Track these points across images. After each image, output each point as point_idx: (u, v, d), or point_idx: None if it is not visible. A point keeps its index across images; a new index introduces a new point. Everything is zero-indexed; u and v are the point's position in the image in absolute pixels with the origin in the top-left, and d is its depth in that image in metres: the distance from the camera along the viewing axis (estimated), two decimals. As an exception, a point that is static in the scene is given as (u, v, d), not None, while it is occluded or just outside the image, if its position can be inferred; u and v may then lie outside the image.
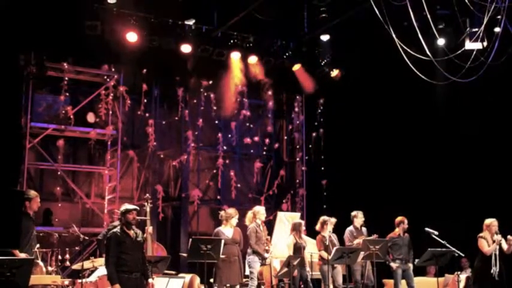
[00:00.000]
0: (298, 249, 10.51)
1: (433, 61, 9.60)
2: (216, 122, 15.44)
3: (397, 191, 13.08)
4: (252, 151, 15.99)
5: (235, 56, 13.95)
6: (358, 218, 11.34)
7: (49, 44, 12.51)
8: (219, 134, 15.32)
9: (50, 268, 9.82)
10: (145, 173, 14.53)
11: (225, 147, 15.33)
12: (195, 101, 15.03)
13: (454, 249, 10.03)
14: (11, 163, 11.95)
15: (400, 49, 9.33)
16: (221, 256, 9.50)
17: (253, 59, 14.16)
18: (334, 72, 14.88)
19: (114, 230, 7.91)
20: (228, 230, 10.21)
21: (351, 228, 11.35)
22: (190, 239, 9.59)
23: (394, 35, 9.13)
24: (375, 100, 13.88)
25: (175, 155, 14.70)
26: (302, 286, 10.60)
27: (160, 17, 12.79)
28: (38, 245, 8.87)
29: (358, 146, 14.21)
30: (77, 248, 11.77)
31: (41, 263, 8.94)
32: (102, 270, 9.34)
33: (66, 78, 13.39)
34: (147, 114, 14.39)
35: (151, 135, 14.23)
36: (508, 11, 9.24)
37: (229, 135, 15.53)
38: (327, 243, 10.68)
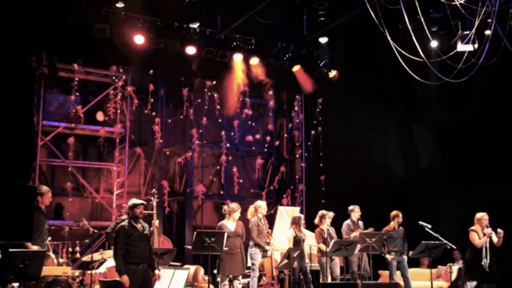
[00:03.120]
0: (297, 242, 10.50)
1: (427, 62, 9.60)
2: (220, 120, 15.43)
3: (393, 186, 13.08)
4: (253, 148, 15.99)
5: (237, 58, 13.93)
6: (355, 212, 11.34)
7: (60, 46, 12.50)
8: (223, 132, 15.31)
9: (61, 260, 9.81)
10: (152, 169, 14.55)
11: (228, 145, 15.33)
12: (199, 100, 15.02)
13: (446, 241, 10.03)
14: (24, 160, 11.96)
15: (395, 51, 9.32)
16: (224, 248, 9.50)
17: (255, 60, 14.14)
18: (332, 73, 14.87)
19: (122, 223, 7.92)
20: (230, 224, 10.21)
21: (348, 221, 11.35)
22: (195, 232, 9.57)
23: (389, 38, 9.12)
24: (371, 99, 13.87)
25: (181, 152, 14.71)
26: (301, 277, 10.60)
27: (166, 20, 12.77)
28: (49, 238, 8.87)
29: (355, 144, 14.20)
30: (86, 240, 11.78)
31: (52, 255, 8.93)
32: (110, 262, 9.35)
33: (77, 79, 13.38)
34: (153, 113, 14.40)
35: (157, 133, 14.25)
36: (498, 14, 9.21)
37: (232, 133, 15.54)
38: (325, 236, 10.68)
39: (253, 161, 15.89)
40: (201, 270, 11.29)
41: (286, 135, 16.59)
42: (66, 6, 11.52)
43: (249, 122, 15.81)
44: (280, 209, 13.42)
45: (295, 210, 12.99)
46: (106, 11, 12.11)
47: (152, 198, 10.64)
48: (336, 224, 11.32)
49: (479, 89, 11.71)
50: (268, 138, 16.08)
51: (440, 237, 10.07)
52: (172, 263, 9.53)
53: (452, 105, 12.78)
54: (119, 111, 13.81)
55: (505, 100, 11.86)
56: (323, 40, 13.85)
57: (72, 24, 11.87)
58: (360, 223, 11.36)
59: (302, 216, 11.26)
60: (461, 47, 10.65)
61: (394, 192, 12.90)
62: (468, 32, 10.40)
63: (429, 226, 10.29)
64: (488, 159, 12.10)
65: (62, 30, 11.75)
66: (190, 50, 13.24)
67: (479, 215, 10.03)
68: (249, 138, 15.70)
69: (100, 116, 13.76)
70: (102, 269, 9.77)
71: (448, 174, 12.79)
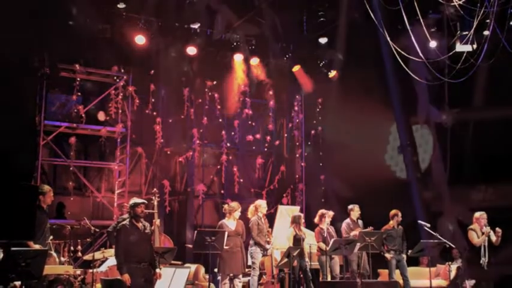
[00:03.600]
0: (297, 240, 10.52)
1: (426, 62, 9.63)
2: (220, 120, 15.43)
3: (393, 186, 13.10)
4: (254, 148, 15.98)
5: (238, 58, 13.96)
6: (355, 211, 11.36)
7: (62, 47, 12.52)
8: (223, 132, 15.31)
9: (62, 259, 9.81)
10: (152, 168, 14.55)
11: (228, 144, 15.33)
12: (200, 100, 15.01)
13: (445, 240, 10.05)
14: (26, 159, 11.99)
15: (395, 51, 9.35)
16: (225, 247, 9.53)
17: (255, 61, 14.17)
18: (332, 73, 14.90)
19: (124, 222, 7.94)
20: (231, 223, 10.23)
21: (347, 220, 11.36)
22: (196, 231, 9.61)
23: (388, 38, 9.15)
24: (371, 99, 13.89)
25: (181, 152, 14.70)
26: (301, 276, 10.62)
27: (167, 20, 12.80)
28: (51, 237, 8.89)
29: (354, 144, 14.22)
30: (88, 239, 11.76)
31: (54, 254, 8.96)
32: (112, 261, 9.38)
33: (78, 79, 13.39)
34: (154, 113, 14.40)
35: (158, 132, 14.25)
36: (496, 15, 9.24)
37: (233, 133, 15.54)
38: (325, 235, 10.70)
39: (254, 160, 15.89)
40: (202, 269, 11.32)
41: (286, 135, 16.58)
42: (67, 7, 11.55)
43: (249, 122, 15.80)
44: (280, 208, 13.44)
45: (295, 209, 13.00)
46: (107, 11, 12.14)
47: (153, 198, 10.66)
48: (336, 223, 11.34)
49: (478, 89, 11.74)
50: (268, 137, 16.07)
51: (439, 236, 10.10)
52: (173, 261, 9.55)
53: (452, 105, 12.80)
54: (120, 111, 13.81)
55: (504, 100, 11.88)
56: (323, 40, 13.88)
57: (74, 24, 11.90)
58: (360, 222, 11.37)
59: (302, 215, 11.29)
60: (460, 47, 10.67)
61: (394, 192, 12.91)
62: (467, 33, 10.42)
63: (428, 225, 10.32)
64: (488, 159, 12.11)
65: (64, 31, 11.78)
66: (191, 51, 13.27)
67: (477, 214, 10.05)
68: (249, 137, 15.69)
69: (101, 116, 13.76)
70: (103, 267, 9.81)
71: (447, 174, 12.80)
